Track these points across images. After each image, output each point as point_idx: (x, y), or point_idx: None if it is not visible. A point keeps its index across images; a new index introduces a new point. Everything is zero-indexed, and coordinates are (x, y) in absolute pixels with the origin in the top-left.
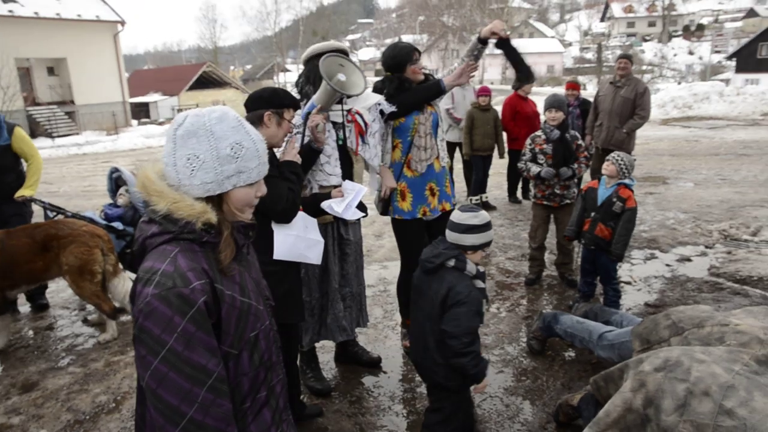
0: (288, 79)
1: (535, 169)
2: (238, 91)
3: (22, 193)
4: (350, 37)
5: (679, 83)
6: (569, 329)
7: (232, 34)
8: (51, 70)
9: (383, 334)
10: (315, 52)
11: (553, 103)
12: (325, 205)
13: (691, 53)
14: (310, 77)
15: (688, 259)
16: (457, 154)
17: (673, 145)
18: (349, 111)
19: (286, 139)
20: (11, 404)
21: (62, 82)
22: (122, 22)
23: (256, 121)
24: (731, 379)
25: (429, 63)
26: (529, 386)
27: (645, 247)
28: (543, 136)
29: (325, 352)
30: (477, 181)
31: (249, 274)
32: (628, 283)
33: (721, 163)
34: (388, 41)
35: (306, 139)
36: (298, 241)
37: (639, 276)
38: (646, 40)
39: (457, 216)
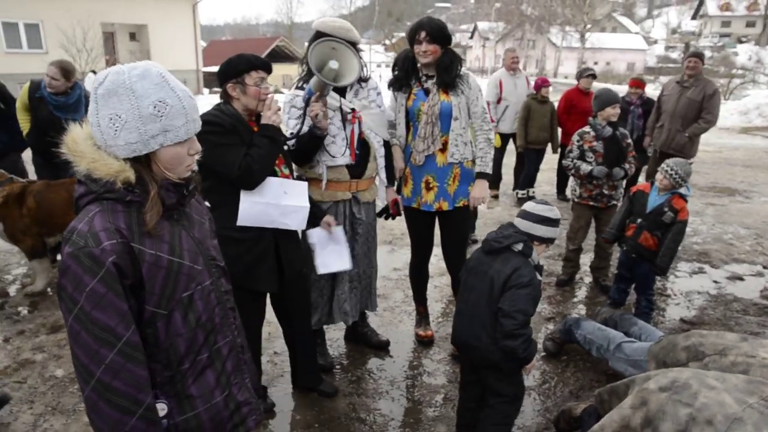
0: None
1: (585, 167)
2: None
3: None
4: None
5: None
6: (589, 335)
7: (309, 10)
8: (133, 36)
9: (398, 318)
10: (316, 29)
11: (613, 98)
12: (309, 233)
13: None
14: (305, 57)
15: (740, 278)
16: (510, 146)
17: (749, 155)
18: (353, 111)
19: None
20: (38, 342)
21: (142, 48)
22: None
23: (224, 97)
24: (740, 412)
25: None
26: (535, 387)
27: (694, 260)
28: (592, 133)
29: (338, 329)
30: (527, 175)
31: (189, 232)
32: (667, 295)
33: None
34: (465, 27)
35: (306, 126)
36: (268, 208)
37: (681, 289)
38: (741, 42)
39: (531, 206)
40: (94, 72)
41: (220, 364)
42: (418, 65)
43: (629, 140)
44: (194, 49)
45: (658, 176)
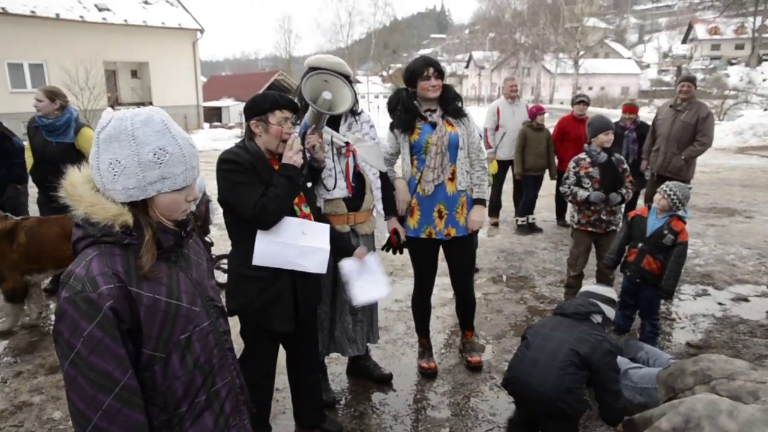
0: (359, 90)
1: (582, 193)
2: None
3: None
4: (422, 51)
5: (766, 110)
6: None
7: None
8: (134, 73)
9: (400, 351)
10: (309, 65)
11: (606, 125)
12: (341, 265)
13: None
14: (299, 92)
15: (745, 299)
16: (509, 173)
17: (746, 175)
18: (347, 145)
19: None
20: (36, 383)
21: (143, 85)
22: (201, 30)
23: (248, 133)
24: None
25: (499, 80)
26: None
27: (698, 282)
28: (588, 159)
29: (339, 364)
30: (526, 202)
31: (187, 273)
32: (672, 319)
33: None
34: (460, 57)
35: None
36: (285, 248)
37: (686, 313)
38: (732, 64)
39: (596, 288)
40: (113, 107)
41: (218, 405)
42: (416, 102)
43: (625, 165)
44: (194, 85)
45: (657, 197)
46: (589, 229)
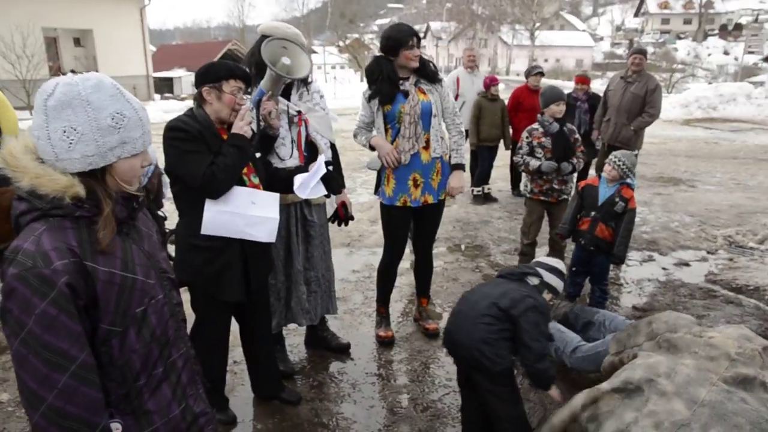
0: (315, 60)
1: (534, 162)
2: None
3: None
4: (379, 21)
5: (710, 84)
6: None
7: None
8: (77, 41)
9: (358, 321)
10: (263, 33)
11: (558, 96)
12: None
13: (726, 53)
14: (252, 59)
15: (687, 264)
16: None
17: (691, 146)
18: (299, 113)
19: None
20: None
21: (87, 54)
22: None
23: (198, 99)
24: (690, 416)
25: (456, 51)
26: None
27: (644, 249)
28: (540, 129)
29: (297, 335)
30: (481, 173)
31: (140, 246)
32: (620, 284)
33: (738, 167)
34: (417, 27)
35: (257, 125)
36: (234, 217)
37: (632, 278)
38: (680, 38)
39: (544, 258)
40: (74, 72)
41: (175, 376)
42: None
43: (577, 135)
44: (143, 54)
45: (606, 168)
46: (542, 198)
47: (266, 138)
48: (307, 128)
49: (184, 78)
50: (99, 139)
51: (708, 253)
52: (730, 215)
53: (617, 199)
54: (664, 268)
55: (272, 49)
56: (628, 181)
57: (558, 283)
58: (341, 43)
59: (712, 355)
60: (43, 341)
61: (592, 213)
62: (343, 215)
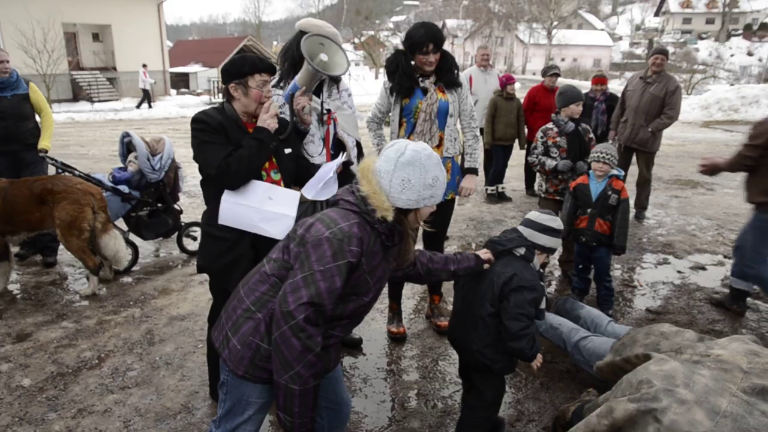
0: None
1: (550, 162)
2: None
3: (43, 145)
4: (394, 18)
5: (732, 85)
6: (544, 333)
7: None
8: (96, 36)
9: (370, 316)
10: (301, 29)
11: (577, 96)
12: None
13: (750, 54)
14: (288, 54)
15: (703, 268)
16: (480, 142)
17: (710, 148)
18: (329, 112)
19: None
20: (3, 352)
21: (106, 49)
22: None
23: (226, 96)
24: (713, 428)
25: (471, 50)
26: (507, 380)
27: (659, 252)
28: (555, 129)
29: None
30: (496, 171)
31: (388, 265)
32: (634, 286)
33: None
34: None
35: (291, 120)
36: (249, 211)
37: (647, 280)
38: (702, 38)
39: (535, 216)
40: (145, 66)
41: (337, 342)
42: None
43: (591, 135)
44: (160, 50)
45: (596, 165)
46: (557, 197)
47: (297, 132)
48: (335, 127)
49: (200, 73)
50: (421, 191)
51: (725, 257)
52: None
53: (610, 192)
54: (679, 272)
55: (311, 44)
56: (616, 172)
57: (548, 241)
58: (356, 40)
59: (726, 368)
60: (316, 281)
61: (589, 210)
62: None
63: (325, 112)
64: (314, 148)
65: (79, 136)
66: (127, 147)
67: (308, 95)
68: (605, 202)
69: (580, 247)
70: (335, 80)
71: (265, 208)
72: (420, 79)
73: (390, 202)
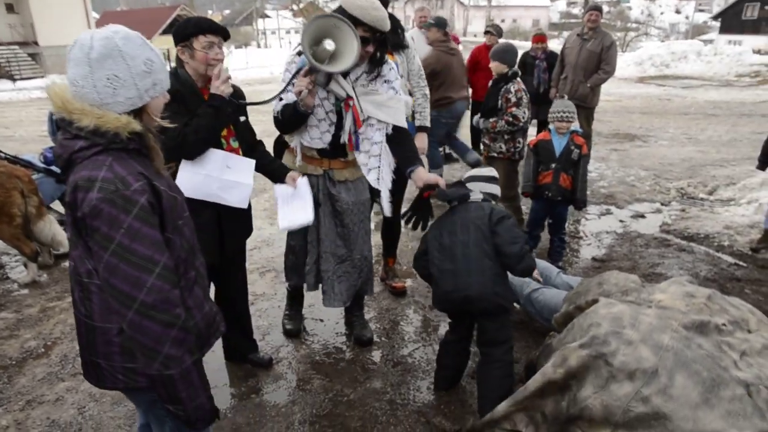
0: (267, 25)
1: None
2: None
3: None
4: None
5: (663, 42)
6: None
7: None
8: (10, 7)
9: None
10: (343, 6)
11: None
12: (274, 188)
13: (678, 12)
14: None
15: (642, 216)
16: None
17: (645, 103)
18: (347, 98)
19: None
20: None
21: (24, 21)
22: None
23: (177, 61)
24: (657, 362)
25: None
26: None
27: (602, 203)
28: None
29: (266, 299)
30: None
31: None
32: (579, 237)
33: (689, 122)
34: None
35: (290, 95)
36: (208, 180)
37: (591, 231)
38: None
39: (476, 171)
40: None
41: (202, 280)
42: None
43: (510, 95)
44: (85, 22)
45: (557, 123)
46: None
47: (298, 113)
48: (356, 115)
49: None
50: (137, 83)
51: (662, 204)
52: (682, 168)
53: (572, 147)
54: (621, 221)
55: (319, 26)
56: (576, 128)
57: (496, 189)
58: (295, 7)
59: (667, 308)
60: (132, 249)
61: (553, 165)
62: (428, 195)
63: (343, 97)
64: (315, 133)
65: (1, 117)
66: (57, 124)
67: (311, 77)
68: (568, 156)
69: (541, 203)
70: (380, 62)
71: (224, 176)
72: None
73: (114, 112)
